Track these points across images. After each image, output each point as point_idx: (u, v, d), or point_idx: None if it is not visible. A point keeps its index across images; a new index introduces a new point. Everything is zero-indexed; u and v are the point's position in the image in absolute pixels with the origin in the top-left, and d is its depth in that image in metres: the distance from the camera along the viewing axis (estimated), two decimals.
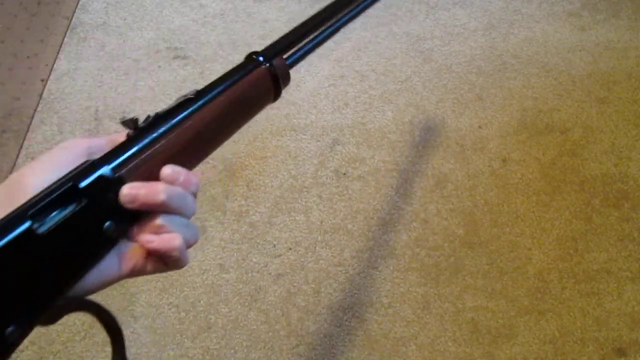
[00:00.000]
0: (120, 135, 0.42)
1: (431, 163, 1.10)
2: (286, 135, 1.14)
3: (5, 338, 0.33)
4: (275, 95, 0.51)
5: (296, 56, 0.55)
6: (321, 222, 1.03)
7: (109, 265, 0.39)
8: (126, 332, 0.93)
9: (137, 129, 0.41)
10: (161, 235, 0.39)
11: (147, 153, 0.40)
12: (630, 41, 1.29)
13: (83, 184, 0.37)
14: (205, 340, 0.92)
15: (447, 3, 1.38)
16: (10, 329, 0.34)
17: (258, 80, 0.49)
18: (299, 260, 0.99)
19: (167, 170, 0.40)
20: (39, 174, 0.37)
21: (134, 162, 0.39)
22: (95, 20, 1.38)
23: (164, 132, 0.42)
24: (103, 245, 0.38)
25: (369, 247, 1.00)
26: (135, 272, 0.40)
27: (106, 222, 0.38)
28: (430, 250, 0.99)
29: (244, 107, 0.48)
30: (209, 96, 0.45)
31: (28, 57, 1.31)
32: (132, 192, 0.38)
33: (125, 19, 1.38)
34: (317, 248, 1.00)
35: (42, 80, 1.26)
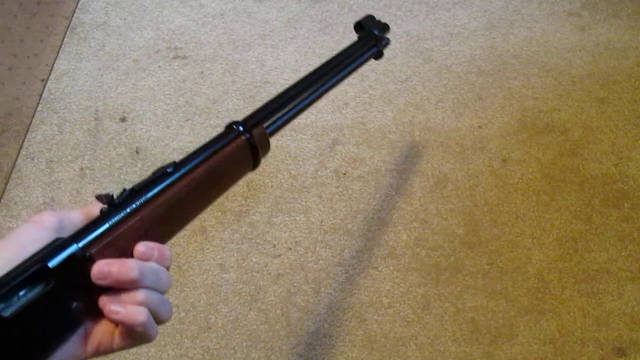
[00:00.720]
0: (94, 207, 0.41)
1: (431, 163, 1.10)
2: (286, 135, 1.14)
3: None
4: (254, 164, 0.52)
5: (277, 124, 0.55)
6: (321, 222, 1.03)
7: (73, 346, 0.39)
8: None
9: (110, 205, 0.41)
10: (127, 307, 0.38)
11: (120, 230, 0.40)
12: (630, 41, 1.29)
13: (52, 263, 0.36)
14: (205, 340, 0.92)
15: (447, 3, 1.38)
16: None
17: (237, 150, 0.49)
18: (299, 260, 0.99)
19: (141, 248, 0.40)
20: (5, 257, 0.36)
21: (106, 240, 0.39)
22: (95, 20, 1.38)
23: (138, 208, 0.41)
24: (70, 325, 0.38)
25: (369, 247, 1.00)
26: (101, 351, 0.40)
27: (74, 302, 0.37)
28: (430, 250, 0.99)
29: (221, 178, 0.48)
30: (186, 169, 0.45)
31: (28, 57, 1.31)
32: (104, 268, 0.37)
33: (125, 19, 1.38)
34: (317, 248, 1.00)
35: (42, 80, 1.26)
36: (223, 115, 1.17)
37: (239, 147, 0.49)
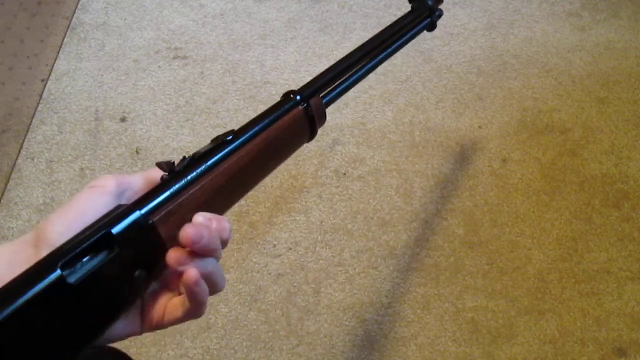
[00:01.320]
0: (154, 171, 0.41)
1: (431, 163, 1.10)
2: None
3: None
4: (311, 135, 0.50)
5: (332, 95, 0.54)
6: (321, 222, 1.03)
7: (130, 318, 0.39)
8: None
9: (171, 172, 0.40)
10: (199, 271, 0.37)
11: (181, 198, 0.39)
12: (630, 41, 1.29)
13: (116, 230, 0.36)
14: (205, 340, 0.92)
15: (447, 3, 1.38)
16: None
17: (295, 121, 0.48)
18: (299, 260, 0.99)
19: (199, 218, 0.39)
20: (66, 222, 0.36)
21: (168, 208, 0.38)
22: (95, 20, 1.38)
23: (199, 177, 0.41)
24: (133, 294, 0.37)
25: (369, 247, 1.00)
26: (154, 325, 0.40)
27: (137, 270, 0.37)
28: (430, 250, 0.99)
29: (280, 148, 0.47)
30: (245, 137, 0.44)
31: (28, 57, 1.31)
32: (200, 231, 0.37)
33: (125, 19, 1.38)
34: (317, 248, 1.00)
35: (42, 80, 1.26)
36: (223, 115, 1.17)
37: (297, 117, 0.48)
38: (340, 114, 1.18)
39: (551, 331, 0.91)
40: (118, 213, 0.37)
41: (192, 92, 1.22)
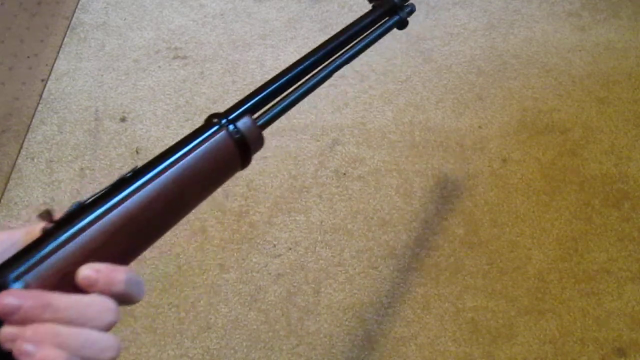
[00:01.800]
0: (35, 228, 0.36)
1: (431, 163, 1.10)
2: (286, 135, 1.14)
3: None
4: (244, 162, 0.44)
5: (271, 114, 0.47)
6: (321, 222, 1.03)
7: None
8: (126, 332, 0.93)
9: (53, 222, 0.35)
10: (42, 351, 0.31)
11: (60, 253, 0.34)
12: (630, 41, 1.29)
13: None
14: (205, 340, 0.92)
15: (447, 3, 1.38)
16: None
17: (218, 147, 0.42)
18: (299, 260, 0.99)
19: (81, 274, 0.34)
20: None
21: (43, 266, 0.33)
22: (95, 20, 1.38)
23: (85, 225, 0.35)
24: None
25: (369, 247, 1.00)
26: None
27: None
28: (430, 250, 0.99)
29: (200, 180, 0.41)
30: (154, 173, 0.39)
31: (28, 57, 1.31)
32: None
33: (125, 19, 1.38)
34: (317, 248, 1.00)
35: (42, 80, 1.26)
36: None
37: (221, 143, 0.42)
38: (340, 114, 1.18)
39: (551, 331, 0.91)
40: None
41: (192, 92, 1.22)
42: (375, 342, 0.91)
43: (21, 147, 1.15)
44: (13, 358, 0.31)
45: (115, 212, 0.36)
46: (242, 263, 0.99)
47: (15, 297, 0.31)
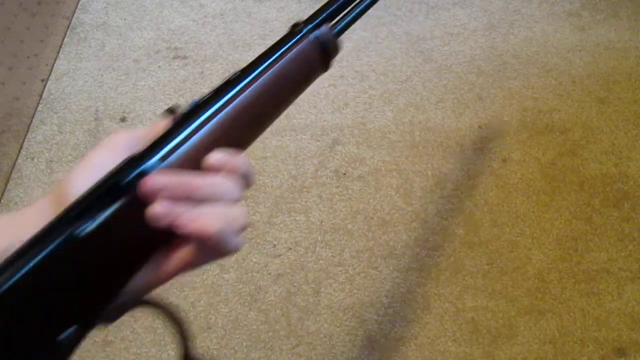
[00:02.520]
0: (161, 123, 0.40)
1: (431, 163, 1.10)
2: (286, 135, 1.14)
3: (59, 343, 0.34)
4: (324, 66, 0.49)
5: (343, 23, 0.51)
6: (321, 222, 1.03)
7: (148, 271, 0.39)
8: (126, 332, 0.93)
9: (177, 117, 0.40)
10: (197, 219, 0.36)
11: (190, 142, 0.39)
12: (630, 41, 1.29)
13: (123, 181, 0.35)
14: (205, 340, 0.92)
15: (447, 3, 1.38)
16: (65, 333, 0.34)
17: (303, 52, 0.46)
18: (299, 260, 0.99)
19: (212, 158, 0.39)
20: (83, 178, 0.36)
21: (177, 153, 0.38)
22: (95, 20, 1.38)
23: (206, 119, 0.40)
24: (148, 246, 0.37)
25: (369, 247, 1.00)
26: (182, 267, 0.40)
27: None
28: (430, 250, 0.99)
29: (289, 83, 0.46)
30: (252, 76, 0.44)
31: (28, 57, 1.31)
32: (156, 182, 0.36)
33: (125, 19, 1.38)
34: (317, 248, 1.00)
35: (42, 80, 1.26)
36: None
37: (305, 49, 0.46)
38: (340, 114, 1.18)
39: (551, 331, 0.91)
40: (126, 163, 0.36)
41: (192, 92, 1.22)
42: (375, 342, 0.91)
43: (21, 147, 1.15)
44: (164, 234, 0.36)
45: (231, 105, 0.41)
46: (242, 263, 0.99)
47: (159, 178, 0.36)
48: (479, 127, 1.15)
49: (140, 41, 1.33)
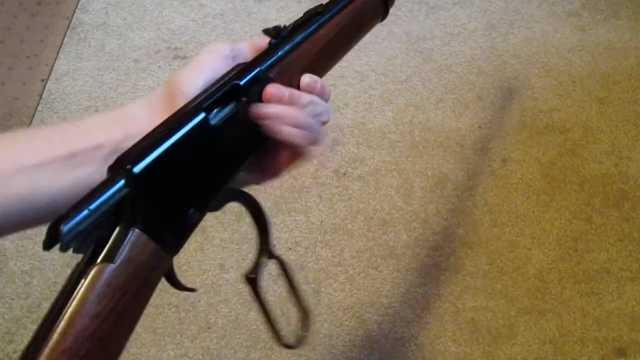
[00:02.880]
0: (260, 40, 0.44)
1: (431, 163, 1.10)
2: None
3: (188, 218, 0.38)
4: (385, 13, 0.55)
5: None
6: (321, 222, 1.03)
7: (259, 165, 0.45)
8: None
9: (280, 37, 0.44)
10: (290, 128, 0.41)
11: (291, 58, 0.43)
12: (630, 41, 1.29)
13: (243, 82, 0.40)
14: (205, 340, 0.92)
15: (447, 3, 1.38)
16: (190, 210, 0.38)
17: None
18: (299, 260, 0.99)
19: (306, 78, 0.44)
20: (194, 79, 0.40)
21: (282, 65, 0.43)
22: (95, 20, 1.38)
23: (302, 41, 0.45)
24: (256, 143, 0.42)
25: (369, 247, 1.00)
26: (270, 175, 0.46)
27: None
28: (430, 250, 0.99)
29: (360, 24, 0.51)
30: (334, 11, 0.48)
31: (28, 57, 1.31)
32: (276, 91, 0.41)
33: (125, 19, 1.38)
34: (317, 248, 1.00)
35: (42, 80, 1.26)
36: None
37: None
38: (340, 114, 1.18)
39: (551, 331, 0.91)
40: (243, 68, 0.41)
41: None
42: (375, 342, 0.91)
43: None
44: (262, 137, 0.41)
45: (319, 34, 0.46)
46: (242, 263, 0.99)
47: (279, 88, 0.41)
48: (479, 127, 1.15)
49: (140, 41, 1.33)
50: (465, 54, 1.28)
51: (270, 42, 0.44)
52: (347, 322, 0.93)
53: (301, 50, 0.44)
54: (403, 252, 0.99)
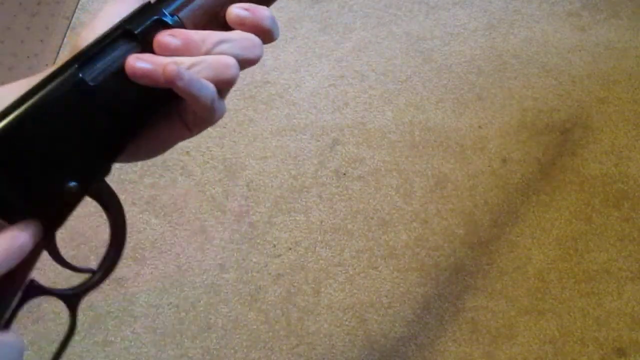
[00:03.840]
0: None
1: (431, 163, 1.10)
2: (286, 135, 1.14)
3: (66, 190, 0.33)
4: None
5: None
6: (321, 222, 1.03)
7: (172, 124, 0.38)
8: (126, 332, 0.93)
9: None
10: (193, 78, 0.33)
11: None
12: (630, 41, 1.29)
13: (138, 29, 0.33)
14: (205, 340, 0.92)
15: (447, 3, 1.38)
16: (71, 183, 0.33)
17: None
18: (299, 260, 0.99)
19: (235, 10, 0.36)
20: (97, 32, 0.34)
21: (195, 4, 0.35)
22: None
23: None
24: (162, 98, 0.35)
25: (369, 247, 1.00)
26: (198, 126, 0.38)
27: None
28: (430, 250, 0.99)
29: None
30: None
31: (28, 57, 1.31)
32: (165, 39, 0.33)
33: None
34: (317, 248, 1.00)
35: None
36: None
37: None
38: (340, 113, 1.18)
39: (551, 331, 0.91)
40: (139, 10, 0.34)
41: None
42: (375, 342, 0.91)
43: None
44: (165, 96, 0.34)
45: None
46: (242, 263, 0.99)
47: (173, 35, 0.33)
48: (479, 127, 1.15)
49: None
50: (465, 54, 1.28)
51: None
52: (347, 322, 0.93)
53: None
54: (403, 252, 0.99)
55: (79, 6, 1.42)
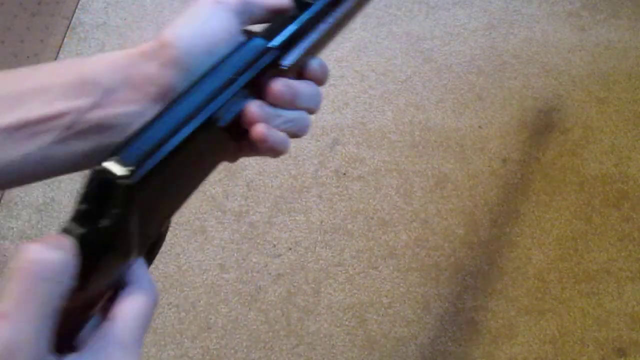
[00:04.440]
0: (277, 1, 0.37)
1: (431, 163, 1.10)
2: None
3: (163, 230, 0.33)
4: None
5: None
6: (321, 222, 1.03)
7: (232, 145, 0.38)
8: None
9: (303, 3, 0.37)
10: (276, 135, 0.35)
11: (309, 40, 0.36)
12: (630, 41, 1.29)
13: (260, 77, 0.33)
14: (205, 340, 0.92)
15: (447, 3, 1.38)
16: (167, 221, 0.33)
17: None
18: (299, 260, 0.99)
19: (317, 64, 0.37)
20: (189, 37, 0.34)
21: (300, 49, 0.36)
22: (95, 20, 1.38)
23: (323, 17, 0.38)
24: (236, 134, 0.35)
25: (369, 247, 1.00)
26: (245, 154, 0.39)
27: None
28: (430, 250, 0.99)
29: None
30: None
31: (28, 57, 1.31)
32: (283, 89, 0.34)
33: (125, 19, 1.38)
34: (317, 248, 1.00)
35: None
36: None
37: None
38: (340, 113, 1.18)
39: (551, 331, 0.91)
40: (258, 54, 0.34)
41: None
42: (375, 342, 0.91)
43: None
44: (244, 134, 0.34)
45: (339, 11, 0.39)
46: (242, 263, 0.99)
47: (287, 85, 0.35)
48: (479, 127, 1.15)
49: (140, 41, 1.33)
50: (465, 54, 1.28)
51: (291, 10, 0.37)
52: (347, 322, 0.93)
53: (324, 28, 0.37)
54: (403, 252, 0.99)
55: (79, 6, 1.42)
